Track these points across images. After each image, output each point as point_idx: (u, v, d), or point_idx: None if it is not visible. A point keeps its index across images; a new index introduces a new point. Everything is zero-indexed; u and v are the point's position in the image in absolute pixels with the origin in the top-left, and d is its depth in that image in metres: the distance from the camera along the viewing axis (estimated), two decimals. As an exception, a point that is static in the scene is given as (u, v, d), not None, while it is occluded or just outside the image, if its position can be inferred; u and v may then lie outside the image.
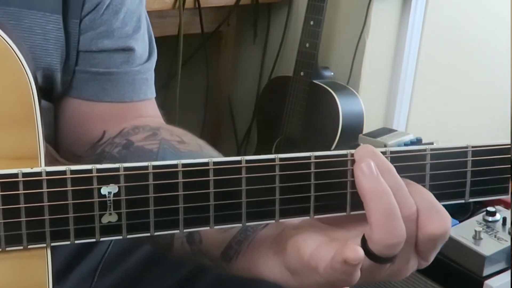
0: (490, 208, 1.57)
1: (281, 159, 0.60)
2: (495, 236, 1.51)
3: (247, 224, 0.61)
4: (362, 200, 0.60)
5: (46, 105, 0.85)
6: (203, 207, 0.59)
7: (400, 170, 0.61)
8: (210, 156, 0.77)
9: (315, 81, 2.07)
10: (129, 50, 0.86)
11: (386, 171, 0.60)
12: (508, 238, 1.50)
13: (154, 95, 0.91)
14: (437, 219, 0.60)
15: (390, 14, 2.23)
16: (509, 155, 0.65)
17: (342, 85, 2.15)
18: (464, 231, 1.53)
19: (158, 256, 0.93)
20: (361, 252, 0.57)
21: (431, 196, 0.61)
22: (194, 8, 2.09)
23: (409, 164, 0.62)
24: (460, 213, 1.64)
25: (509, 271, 1.47)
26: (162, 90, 2.27)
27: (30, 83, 0.58)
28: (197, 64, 2.35)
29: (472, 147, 0.64)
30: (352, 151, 0.61)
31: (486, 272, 1.47)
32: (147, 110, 0.89)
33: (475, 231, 1.50)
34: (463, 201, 0.65)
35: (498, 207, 1.60)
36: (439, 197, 0.62)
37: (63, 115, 0.87)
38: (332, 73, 2.16)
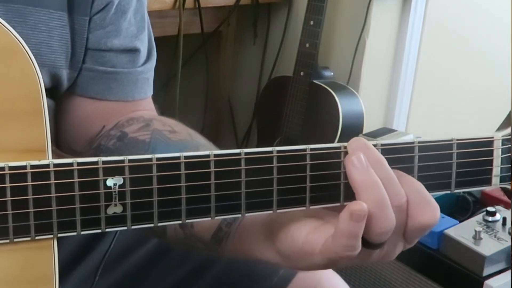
0: (490, 208, 1.56)
1: (278, 151, 0.62)
2: (495, 236, 1.50)
3: (246, 215, 0.62)
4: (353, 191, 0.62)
5: (48, 103, 0.85)
6: (204, 198, 0.61)
7: (390, 162, 0.63)
8: (200, 144, 0.79)
9: (315, 81, 2.07)
10: (134, 50, 0.87)
11: (378, 163, 0.62)
12: (508, 238, 1.49)
13: (152, 92, 0.92)
14: (427, 209, 0.63)
15: (390, 14, 2.23)
16: (491, 148, 0.68)
17: (342, 85, 2.15)
18: (464, 231, 1.52)
19: (161, 253, 0.94)
20: (365, 205, 0.59)
21: (422, 187, 0.63)
22: (194, 8, 2.09)
23: (398, 156, 0.64)
24: (460, 213, 1.64)
25: (509, 271, 1.47)
26: (162, 90, 2.27)
27: (38, 78, 0.60)
28: (197, 64, 2.35)
29: (457, 140, 0.66)
30: (346, 144, 0.63)
31: (486, 272, 1.46)
32: (144, 106, 0.90)
33: (475, 231, 1.50)
34: (449, 191, 0.67)
35: (498, 207, 1.59)
36: (427, 188, 0.64)
37: (66, 112, 0.88)
38: (332, 73, 2.16)
